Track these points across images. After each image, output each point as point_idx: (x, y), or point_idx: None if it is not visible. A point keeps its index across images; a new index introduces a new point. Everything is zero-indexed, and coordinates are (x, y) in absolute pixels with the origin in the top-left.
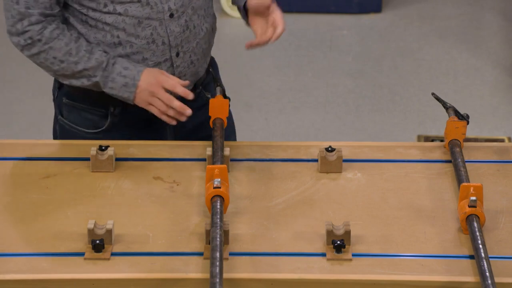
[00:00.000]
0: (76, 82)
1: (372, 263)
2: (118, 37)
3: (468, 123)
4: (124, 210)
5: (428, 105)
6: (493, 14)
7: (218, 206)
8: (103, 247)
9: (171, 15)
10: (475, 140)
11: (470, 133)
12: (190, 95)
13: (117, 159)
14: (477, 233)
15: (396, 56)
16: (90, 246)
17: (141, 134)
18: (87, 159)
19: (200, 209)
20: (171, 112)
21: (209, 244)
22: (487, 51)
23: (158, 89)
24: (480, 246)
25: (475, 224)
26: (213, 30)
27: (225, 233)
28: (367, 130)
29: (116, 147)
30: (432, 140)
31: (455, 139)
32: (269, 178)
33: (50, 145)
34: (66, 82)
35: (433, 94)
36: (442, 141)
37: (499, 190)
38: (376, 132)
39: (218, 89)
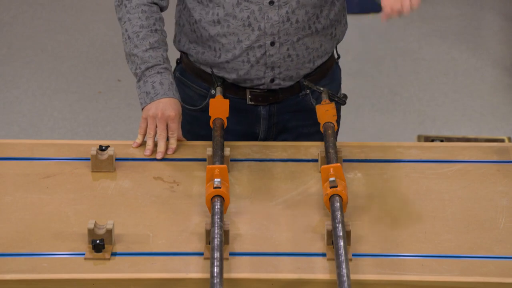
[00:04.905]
0: (128, 64)
1: (372, 263)
2: (217, 15)
3: (344, 103)
4: (124, 210)
5: (428, 105)
6: (493, 14)
7: (218, 206)
8: (103, 247)
9: (271, 2)
10: (475, 140)
11: (470, 133)
12: (170, 150)
13: (117, 159)
14: (337, 212)
15: (396, 56)
16: (90, 246)
17: (232, 122)
18: (87, 159)
19: (200, 209)
20: (150, 143)
21: (209, 244)
22: (487, 51)
23: (162, 119)
24: (339, 225)
25: (337, 204)
26: (332, 35)
27: (225, 233)
28: (367, 130)
29: (116, 147)
30: (432, 140)
31: (328, 122)
32: (269, 178)
33: (50, 145)
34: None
35: (304, 81)
36: (442, 141)
37: (499, 190)
38: (376, 132)
39: (218, 89)
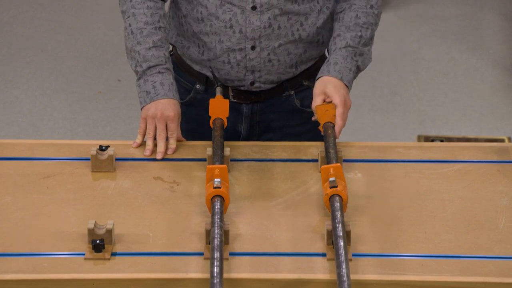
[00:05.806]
0: (128, 59)
1: (372, 263)
2: (201, 13)
3: None
4: (124, 210)
5: (428, 105)
6: (493, 14)
7: (218, 206)
8: (103, 247)
9: (254, 8)
10: (475, 140)
11: (470, 133)
12: (170, 151)
13: (117, 159)
14: (337, 212)
15: (396, 56)
16: (90, 246)
17: None
18: (87, 159)
19: (200, 209)
20: (150, 143)
21: (209, 244)
22: (487, 51)
23: (161, 120)
24: (338, 225)
25: (337, 204)
26: (318, 42)
27: (225, 233)
28: (367, 130)
29: (116, 147)
30: (432, 140)
31: (328, 122)
32: (269, 178)
33: (50, 145)
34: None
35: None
36: (442, 141)
37: (499, 190)
38: (376, 132)
39: (218, 89)
